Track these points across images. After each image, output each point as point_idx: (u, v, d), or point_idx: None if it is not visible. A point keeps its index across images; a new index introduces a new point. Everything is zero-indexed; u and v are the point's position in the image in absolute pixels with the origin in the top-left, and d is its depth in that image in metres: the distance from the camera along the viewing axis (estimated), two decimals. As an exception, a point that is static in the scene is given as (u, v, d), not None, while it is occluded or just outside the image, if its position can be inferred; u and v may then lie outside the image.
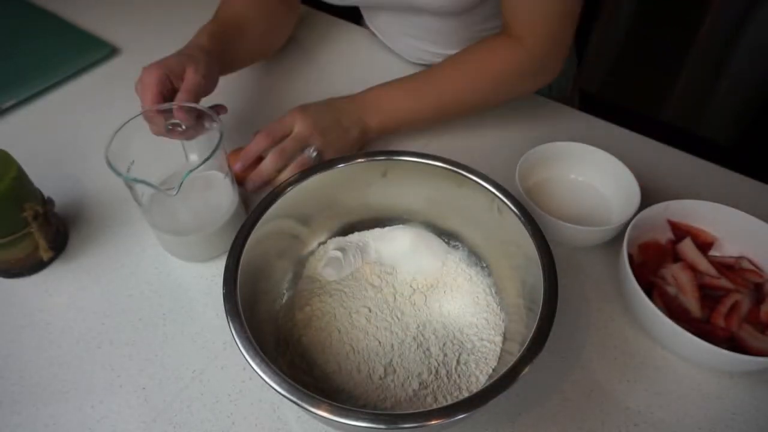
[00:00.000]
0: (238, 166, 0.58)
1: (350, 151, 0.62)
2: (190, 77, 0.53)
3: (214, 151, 0.46)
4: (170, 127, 0.51)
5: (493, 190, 0.46)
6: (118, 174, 0.45)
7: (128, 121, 0.49)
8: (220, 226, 0.52)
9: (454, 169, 0.48)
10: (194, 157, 0.55)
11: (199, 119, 0.52)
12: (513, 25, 0.61)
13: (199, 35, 0.61)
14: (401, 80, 0.64)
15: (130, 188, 0.49)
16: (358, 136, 0.62)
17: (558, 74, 0.64)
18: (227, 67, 0.63)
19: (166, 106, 0.50)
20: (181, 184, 0.45)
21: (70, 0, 0.93)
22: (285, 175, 0.58)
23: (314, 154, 0.59)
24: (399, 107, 0.64)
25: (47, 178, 0.58)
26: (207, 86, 0.55)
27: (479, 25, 0.71)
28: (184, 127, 0.50)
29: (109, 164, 0.45)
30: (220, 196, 0.54)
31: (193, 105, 0.51)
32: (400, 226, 0.54)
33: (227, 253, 0.42)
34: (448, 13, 0.67)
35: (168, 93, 0.53)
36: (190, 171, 0.45)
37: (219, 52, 0.60)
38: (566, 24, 0.60)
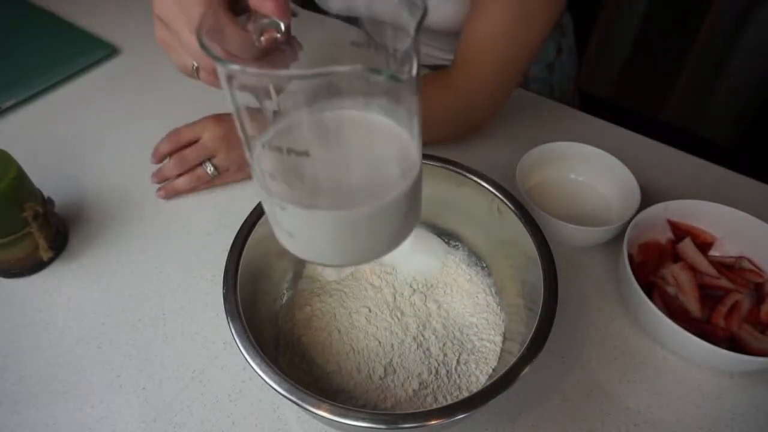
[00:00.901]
0: (152, 160, 0.60)
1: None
2: None
3: (415, 37, 0.24)
4: (263, 37, 0.29)
5: (493, 190, 0.46)
6: (219, 60, 0.24)
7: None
8: (398, 192, 0.29)
9: (454, 169, 0.48)
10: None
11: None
12: (463, 52, 0.59)
13: None
14: None
15: (242, 120, 0.27)
16: None
17: (492, 118, 0.62)
18: None
19: None
20: (404, 56, 0.24)
21: (70, 0, 0.93)
22: (182, 183, 0.60)
23: (211, 170, 0.58)
24: None
25: (47, 178, 0.58)
26: None
27: None
28: (283, 28, 0.28)
29: (205, 47, 0.25)
30: (400, 151, 0.30)
31: None
32: (400, 226, 0.54)
33: (230, 248, 0.42)
34: (455, 32, 0.67)
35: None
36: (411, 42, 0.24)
37: None
38: (506, 87, 0.59)
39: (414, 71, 0.24)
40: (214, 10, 0.29)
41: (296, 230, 0.30)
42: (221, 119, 0.59)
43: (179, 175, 0.59)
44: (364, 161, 0.30)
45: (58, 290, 0.53)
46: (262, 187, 0.29)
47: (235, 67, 0.24)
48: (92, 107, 0.74)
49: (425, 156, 0.48)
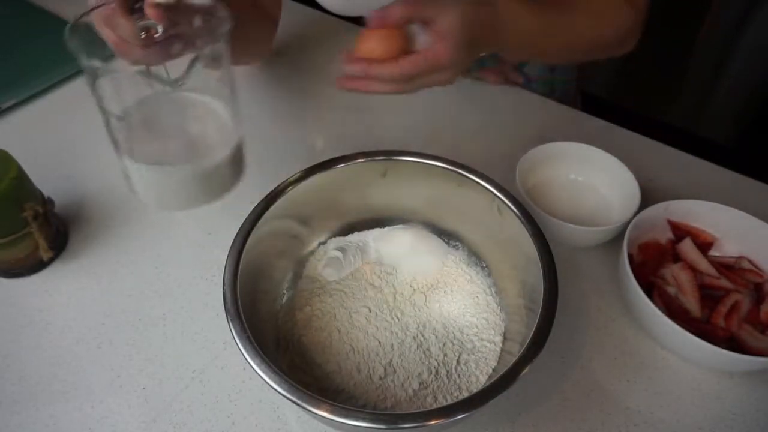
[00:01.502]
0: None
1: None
2: None
3: (221, 37, 0.34)
4: (142, 34, 0.36)
5: (493, 190, 0.46)
6: (86, 57, 0.32)
7: (87, 13, 0.36)
8: (216, 161, 0.40)
9: (454, 169, 0.48)
10: (177, 74, 0.40)
11: (184, 19, 0.37)
12: None
13: None
14: (540, 11, 0.51)
15: (95, 89, 0.36)
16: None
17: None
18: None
19: None
20: (190, 70, 0.35)
21: (70, 0, 0.93)
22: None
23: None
24: (530, 43, 0.51)
25: (47, 178, 0.58)
26: None
27: None
28: (160, 31, 0.36)
29: (73, 50, 0.33)
30: (213, 131, 0.42)
31: None
32: (400, 226, 0.54)
33: (230, 248, 0.42)
34: None
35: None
36: (196, 57, 0.35)
37: None
38: None
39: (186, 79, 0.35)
40: (108, 2, 0.35)
41: (140, 182, 0.41)
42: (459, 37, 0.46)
43: None
44: (191, 130, 0.42)
45: (58, 290, 0.53)
46: (116, 149, 0.39)
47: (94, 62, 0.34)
48: (92, 107, 0.74)
49: (426, 155, 0.49)
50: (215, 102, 0.41)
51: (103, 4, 0.35)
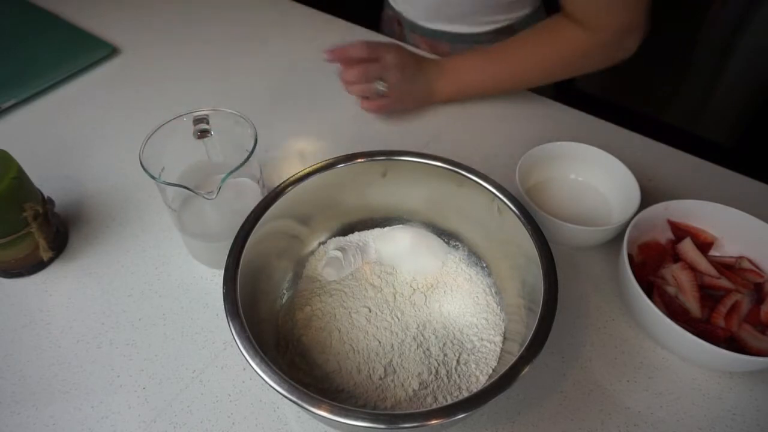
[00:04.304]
0: (328, 56, 0.63)
1: (410, 104, 0.70)
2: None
3: (250, 155, 0.47)
4: (198, 134, 0.50)
5: (493, 190, 0.46)
6: (153, 177, 0.45)
7: (160, 127, 0.49)
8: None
9: (454, 169, 0.48)
10: (217, 159, 0.55)
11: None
12: (575, 14, 0.62)
13: None
14: (480, 53, 0.67)
15: (162, 192, 0.50)
16: (424, 97, 0.69)
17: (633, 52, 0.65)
18: None
19: (200, 113, 0.51)
20: (220, 188, 0.45)
21: (70, 0, 0.93)
22: (356, 90, 0.67)
23: (382, 89, 0.65)
24: (474, 79, 0.68)
25: (47, 178, 0.58)
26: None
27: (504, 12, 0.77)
28: (212, 134, 0.51)
29: (144, 168, 0.45)
30: (251, 203, 0.50)
31: (230, 111, 0.51)
32: (400, 226, 0.54)
33: (230, 248, 0.42)
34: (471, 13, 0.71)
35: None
36: (229, 174, 0.45)
37: None
38: (634, 7, 0.61)
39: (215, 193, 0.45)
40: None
41: (188, 246, 0.55)
42: (403, 51, 0.66)
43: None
44: (226, 215, 0.52)
45: (58, 290, 0.53)
46: (175, 222, 0.52)
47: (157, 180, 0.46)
48: (92, 107, 0.74)
49: (426, 155, 0.49)
50: (250, 182, 0.54)
51: (175, 117, 0.50)
